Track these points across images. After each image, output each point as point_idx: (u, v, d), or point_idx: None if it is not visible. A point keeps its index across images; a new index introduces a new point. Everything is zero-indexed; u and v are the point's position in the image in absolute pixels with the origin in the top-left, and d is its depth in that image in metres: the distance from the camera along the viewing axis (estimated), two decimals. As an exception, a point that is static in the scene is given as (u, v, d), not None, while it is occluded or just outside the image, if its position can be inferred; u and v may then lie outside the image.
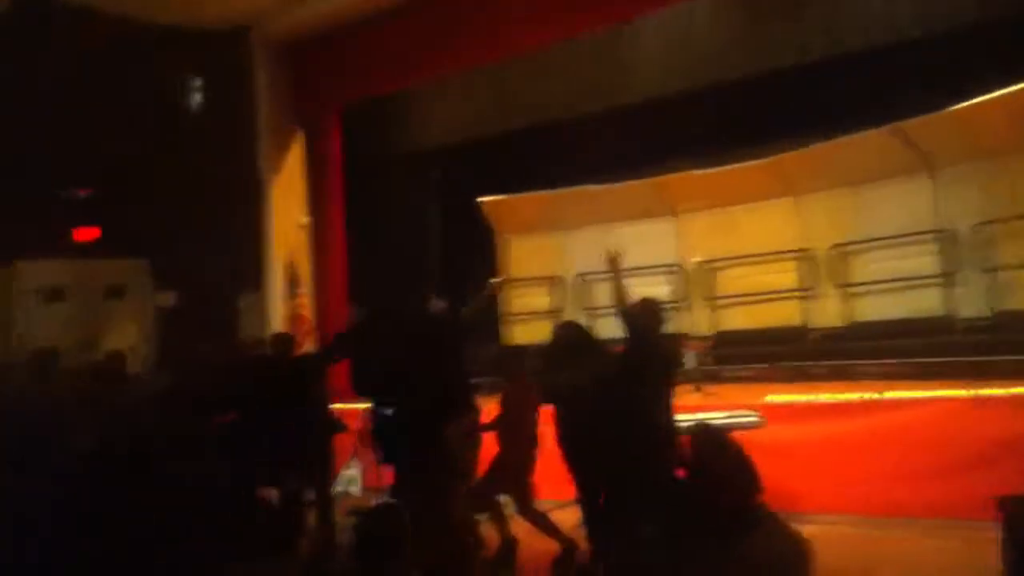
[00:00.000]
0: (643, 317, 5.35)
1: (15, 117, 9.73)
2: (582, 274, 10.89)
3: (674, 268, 10.45)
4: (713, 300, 10.26)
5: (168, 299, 10.88)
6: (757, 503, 2.96)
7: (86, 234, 10.87)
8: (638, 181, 10.50)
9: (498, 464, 6.05)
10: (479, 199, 11.45)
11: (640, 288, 10.77)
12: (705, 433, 3.32)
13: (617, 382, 5.15)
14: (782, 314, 9.72)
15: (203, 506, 4.76)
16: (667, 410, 5.17)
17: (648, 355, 5.20)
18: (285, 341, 7.00)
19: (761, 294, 9.80)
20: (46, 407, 6.74)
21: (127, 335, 10.80)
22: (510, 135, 10.92)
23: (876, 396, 6.61)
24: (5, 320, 10.61)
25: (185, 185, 10.26)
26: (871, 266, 9.19)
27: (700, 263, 10.30)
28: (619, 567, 4.61)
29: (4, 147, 9.83)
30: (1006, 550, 3.68)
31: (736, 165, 9.85)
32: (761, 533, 2.81)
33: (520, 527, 6.18)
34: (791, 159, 9.53)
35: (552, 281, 11.24)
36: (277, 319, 10.22)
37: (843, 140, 8.98)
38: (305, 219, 10.87)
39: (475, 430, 6.12)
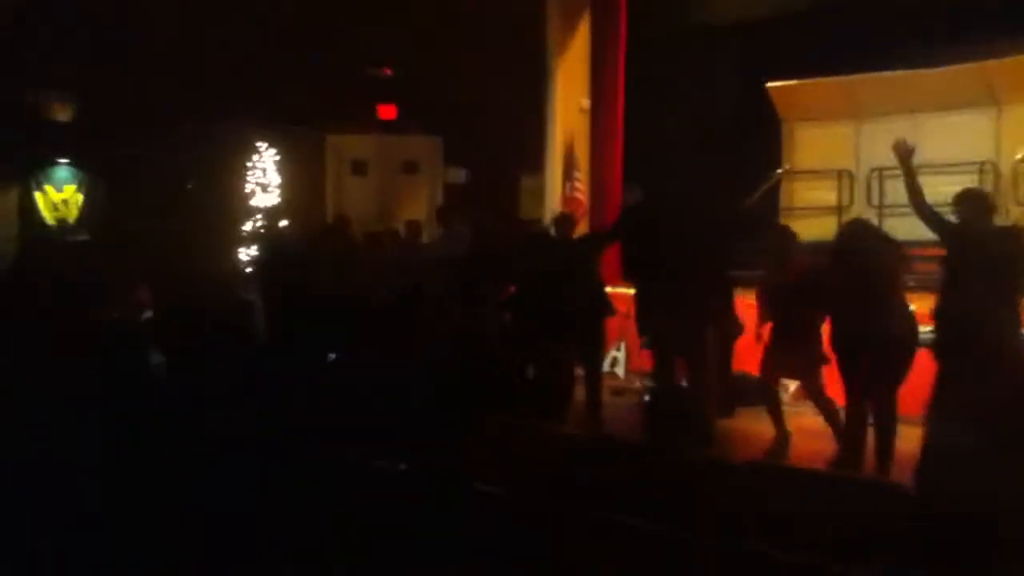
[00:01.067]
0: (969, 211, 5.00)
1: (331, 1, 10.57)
2: (876, 169, 10.08)
3: (986, 166, 9.36)
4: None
5: (459, 175, 11.55)
6: None
7: (388, 111, 11.73)
8: (953, 66, 9.40)
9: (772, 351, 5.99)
10: (767, 83, 10.83)
11: (945, 189, 9.88)
12: None
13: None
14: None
15: (480, 366, 5.14)
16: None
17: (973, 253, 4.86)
18: (566, 222, 7.22)
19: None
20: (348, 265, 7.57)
21: (419, 208, 11.64)
22: (808, 11, 10.12)
23: None
24: (320, 189, 11.85)
25: (477, 66, 10.66)
26: None
27: (1020, 160, 9.13)
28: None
29: (318, 27, 10.73)
30: None
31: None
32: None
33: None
34: None
35: (841, 174, 10.51)
36: (555, 201, 10.49)
37: None
38: (586, 102, 10.92)
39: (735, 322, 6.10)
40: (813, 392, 5.90)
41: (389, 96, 11.78)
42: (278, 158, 11.45)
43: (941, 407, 4.67)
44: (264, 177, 11.32)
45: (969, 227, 5.09)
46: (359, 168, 12.08)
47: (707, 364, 6.05)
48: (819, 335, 5.68)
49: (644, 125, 10.94)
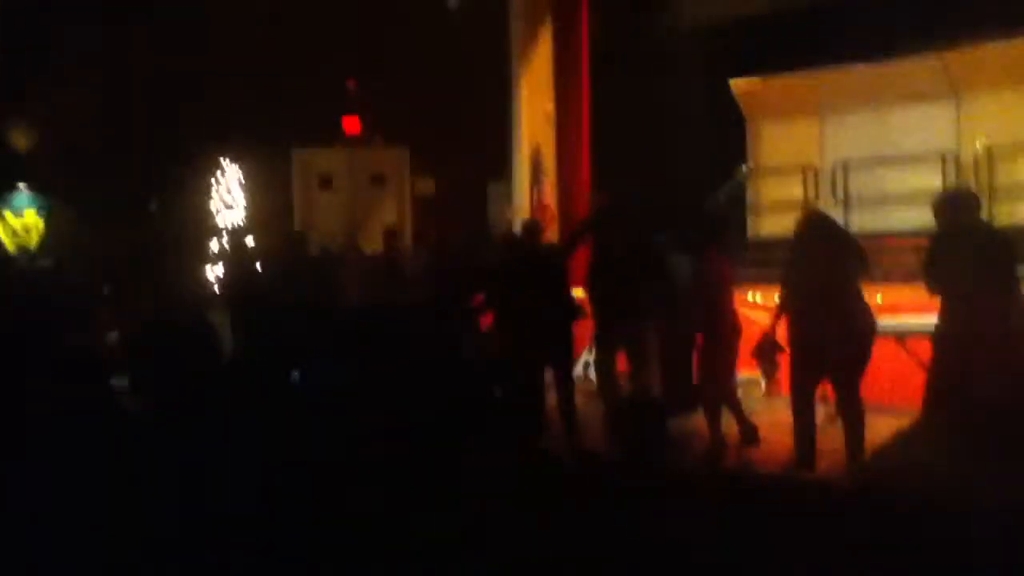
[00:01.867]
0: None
1: (291, 15, 10.50)
2: (841, 162, 10.14)
3: (948, 156, 9.44)
4: (994, 191, 9.19)
5: (429, 186, 11.50)
6: None
7: (352, 124, 11.66)
8: (913, 58, 9.49)
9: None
10: (731, 80, 10.88)
11: (909, 179, 9.91)
12: None
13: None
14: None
15: (446, 370, 5.08)
16: None
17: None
18: (533, 228, 7.18)
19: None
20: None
21: (389, 220, 11.57)
22: (772, 12, 10.18)
23: None
24: (287, 205, 11.74)
25: (442, 77, 10.63)
26: None
27: (984, 150, 9.21)
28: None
29: (283, 42, 10.66)
30: None
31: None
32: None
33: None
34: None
35: (806, 169, 10.56)
36: (523, 207, 10.47)
37: None
38: (551, 108, 10.91)
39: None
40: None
41: (354, 109, 11.72)
42: (242, 175, 11.34)
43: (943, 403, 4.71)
44: (229, 195, 11.21)
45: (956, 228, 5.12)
46: (326, 182, 12.00)
47: (648, 363, 6.23)
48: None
49: (612, 129, 10.95)
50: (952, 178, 9.33)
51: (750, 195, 10.71)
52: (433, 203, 11.53)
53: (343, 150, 12.02)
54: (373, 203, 11.91)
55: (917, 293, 7.24)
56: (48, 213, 11.16)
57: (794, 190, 10.50)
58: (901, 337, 6.15)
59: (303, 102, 10.92)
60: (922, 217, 9.36)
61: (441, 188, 11.55)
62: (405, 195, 11.93)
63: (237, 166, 11.27)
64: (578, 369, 8.00)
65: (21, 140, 10.89)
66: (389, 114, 11.29)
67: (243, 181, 11.33)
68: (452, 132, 10.89)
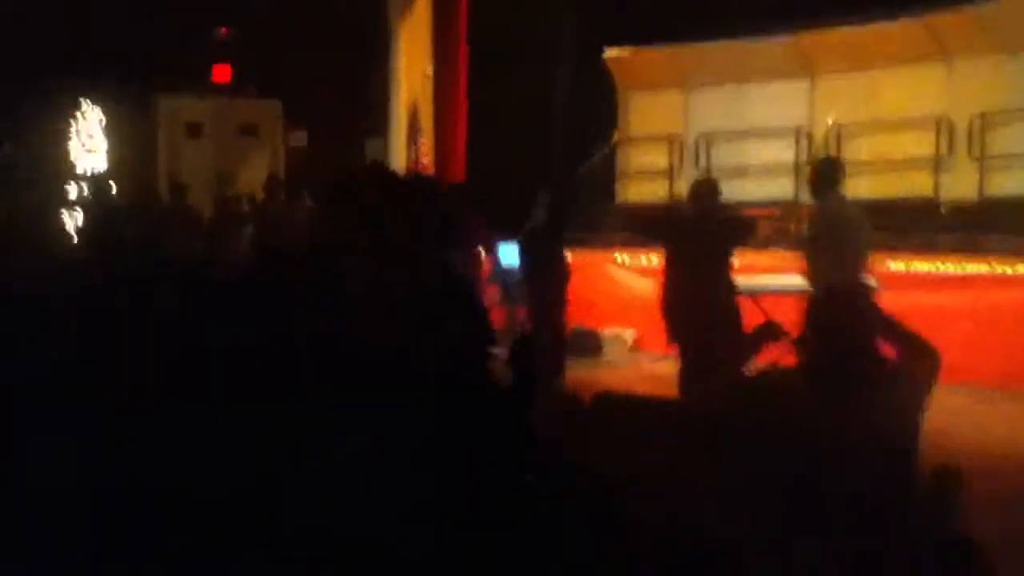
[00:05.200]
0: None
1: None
2: (704, 134, 10.67)
3: (802, 132, 10.10)
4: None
5: (302, 139, 11.31)
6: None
7: (223, 73, 11.31)
8: (772, 38, 10.06)
9: None
10: (604, 52, 11.21)
11: (765, 152, 10.49)
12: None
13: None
14: (913, 184, 9.36)
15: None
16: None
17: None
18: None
19: (892, 162, 9.43)
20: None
21: (260, 172, 11.33)
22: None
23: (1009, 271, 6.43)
24: (151, 153, 11.29)
25: (317, 29, 10.44)
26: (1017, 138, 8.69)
27: (831, 127, 9.91)
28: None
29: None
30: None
31: (885, 23, 9.30)
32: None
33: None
34: (950, 20, 8.93)
35: (671, 140, 11.05)
36: (399, 165, 10.48)
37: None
38: (430, 68, 10.93)
39: None
40: None
41: (225, 57, 11.36)
42: (104, 120, 10.83)
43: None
44: (90, 139, 10.70)
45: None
46: (194, 131, 11.61)
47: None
48: None
49: (488, 91, 11.09)
50: (805, 152, 10.01)
51: (618, 162, 11.12)
52: (307, 157, 11.36)
53: (212, 99, 11.66)
54: (244, 154, 11.63)
55: (770, 258, 7.82)
56: None
57: (659, 159, 10.99)
58: (754, 295, 6.64)
59: (172, 48, 10.51)
60: (778, 188, 10.16)
61: (315, 142, 11.39)
62: (278, 148, 11.70)
63: (99, 109, 10.75)
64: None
65: None
66: (263, 65, 11.02)
67: (104, 126, 10.82)
68: (327, 86, 10.75)
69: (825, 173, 5.87)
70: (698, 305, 5.45)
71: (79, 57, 9.87)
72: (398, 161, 10.53)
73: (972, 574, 2.37)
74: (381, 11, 10.68)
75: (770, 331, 3.49)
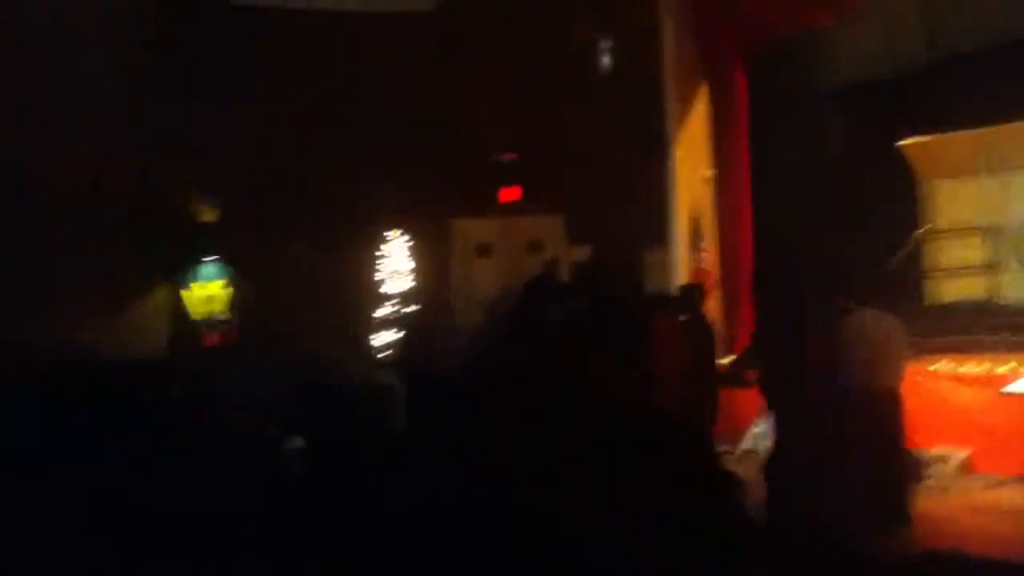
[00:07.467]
0: None
1: (445, 93, 10.95)
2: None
3: None
4: None
5: (586, 253, 11.55)
6: None
7: (510, 194, 11.93)
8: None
9: None
10: (900, 142, 10.40)
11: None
12: None
13: None
14: None
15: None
16: None
17: None
18: (694, 292, 7.05)
19: None
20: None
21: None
22: (937, 66, 9.72)
23: None
24: (445, 273, 12.08)
25: (596, 144, 10.71)
26: None
27: None
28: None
29: (442, 121, 11.12)
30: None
31: None
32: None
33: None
34: None
35: (987, 231, 9.87)
36: (681, 274, 10.30)
37: None
38: (709, 172, 10.77)
39: None
40: None
41: (512, 179, 12.00)
42: (410, 244, 11.81)
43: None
44: (395, 264, 11.68)
45: None
46: (484, 251, 12.27)
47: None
48: None
49: (774, 191, 10.68)
50: None
51: (926, 258, 10.13)
52: (589, 269, 11.51)
53: (500, 219, 12.29)
54: (530, 270, 12.05)
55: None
56: (236, 284, 11.58)
57: (975, 252, 9.87)
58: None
59: (464, 176, 11.30)
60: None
61: (597, 255, 11.56)
62: (564, 263, 12.01)
63: (405, 237, 11.76)
64: (747, 442, 7.71)
65: (210, 215, 11.70)
66: (545, 183, 11.47)
67: (410, 250, 11.80)
68: (607, 199, 10.91)
69: None
70: None
71: (386, 189, 10.89)
72: (679, 269, 10.35)
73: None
74: (657, 117, 10.74)
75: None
